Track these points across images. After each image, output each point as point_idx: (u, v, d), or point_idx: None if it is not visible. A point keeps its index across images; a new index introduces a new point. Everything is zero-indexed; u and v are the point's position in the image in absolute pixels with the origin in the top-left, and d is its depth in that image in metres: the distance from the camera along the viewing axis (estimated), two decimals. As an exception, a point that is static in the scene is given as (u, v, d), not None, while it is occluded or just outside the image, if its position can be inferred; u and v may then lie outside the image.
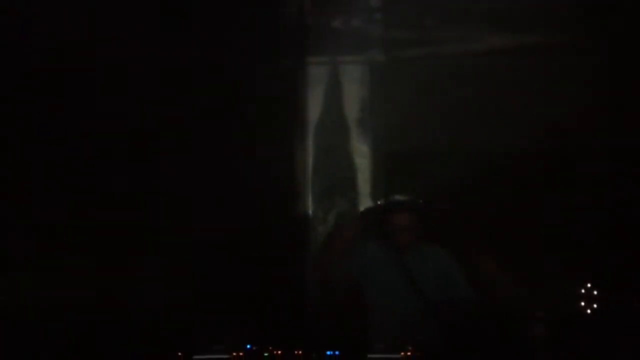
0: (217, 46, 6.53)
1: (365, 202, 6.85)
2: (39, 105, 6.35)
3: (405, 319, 5.09)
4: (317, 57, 6.80)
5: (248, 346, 4.53)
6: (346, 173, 6.85)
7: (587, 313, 6.41)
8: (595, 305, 6.40)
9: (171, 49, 6.48)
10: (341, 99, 6.85)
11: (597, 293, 6.41)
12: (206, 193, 6.52)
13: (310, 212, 6.82)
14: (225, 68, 6.55)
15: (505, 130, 6.48)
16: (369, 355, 4.41)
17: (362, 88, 6.84)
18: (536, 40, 6.58)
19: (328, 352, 4.45)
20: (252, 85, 6.60)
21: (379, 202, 5.65)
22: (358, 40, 6.75)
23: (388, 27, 6.72)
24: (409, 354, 4.43)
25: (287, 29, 6.68)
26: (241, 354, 4.46)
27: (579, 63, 6.45)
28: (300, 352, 4.60)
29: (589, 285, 6.46)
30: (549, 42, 6.56)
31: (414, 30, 6.69)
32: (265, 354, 4.49)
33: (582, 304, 6.44)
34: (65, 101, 6.39)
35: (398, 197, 5.66)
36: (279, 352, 4.51)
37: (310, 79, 6.81)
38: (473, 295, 5.29)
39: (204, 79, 6.56)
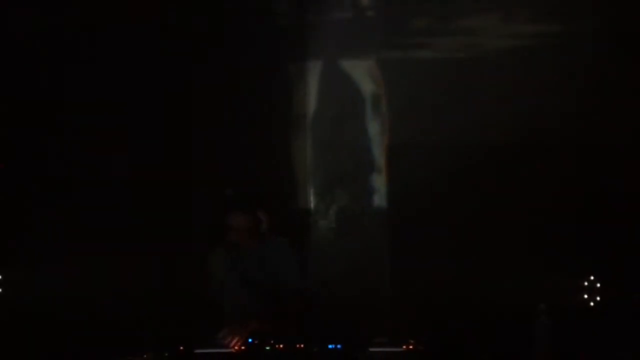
0: (217, 43, 6.53)
1: (366, 196, 6.84)
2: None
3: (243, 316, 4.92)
4: (317, 52, 6.79)
5: (250, 340, 4.51)
6: (347, 167, 6.83)
7: (589, 305, 6.40)
8: (598, 298, 6.39)
9: (172, 47, 6.49)
10: (341, 94, 6.84)
11: (600, 286, 6.41)
12: (206, 188, 6.52)
13: (311, 206, 6.81)
14: (225, 64, 6.55)
15: (504, 123, 6.47)
16: (370, 349, 4.39)
17: (362, 82, 6.83)
18: (538, 35, 6.58)
19: (330, 346, 4.43)
20: (252, 81, 6.59)
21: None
22: (358, 36, 6.74)
23: (388, 22, 6.71)
24: (410, 347, 4.41)
25: (287, 24, 6.67)
26: (243, 347, 4.44)
27: (590, 58, 6.45)
28: (302, 346, 4.58)
29: (591, 277, 6.45)
30: (551, 37, 6.56)
31: (413, 26, 6.68)
32: (267, 348, 4.47)
33: (585, 296, 6.43)
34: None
35: (232, 196, 5.18)
36: (281, 346, 4.48)
37: (310, 74, 6.80)
38: (304, 287, 5.10)
39: (205, 75, 6.56)
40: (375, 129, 6.84)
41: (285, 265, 5.07)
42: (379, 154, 6.82)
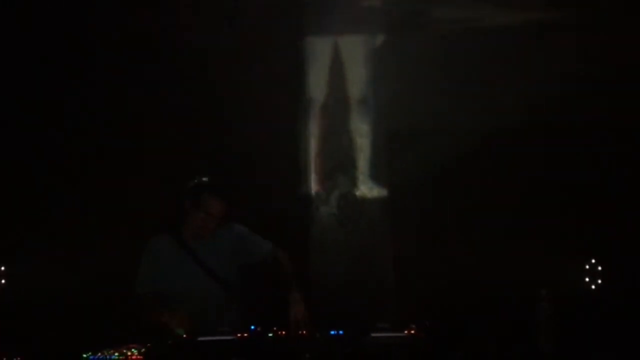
0: (217, 26, 6.53)
1: (367, 182, 6.85)
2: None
3: (206, 307, 4.97)
4: (317, 36, 6.78)
5: (252, 327, 4.53)
6: (348, 153, 6.83)
7: (591, 289, 6.42)
8: (599, 281, 6.41)
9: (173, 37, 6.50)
10: (342, 78, 6.83)
11: (601, 269, 6.43)
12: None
13: (313, 192, 6.82)
14: (226, 49, 6.55)
15: (505, 108, 6.47)
16: (372, 335, 4.41)
17: (363, 67, 6.82)
18: (538, 18, 6.57)
19: (332, 332, 4.44)
20: (251, 66, 6.59)
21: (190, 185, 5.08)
22: (359, 18, 6.73)
23: (389, 4, 6.70)
24: (412, 332, 4.43)
25: (286, 7, 6.66)
26: (246, 335, 4.46)
27: (579, 41, 6.44)
28: (304, 332, 4.61)
29: (593, 260, 6.47)
30: (550, 20, 6.55)
31: (415, 8, 6.67)
32: (270, 335, 4.49)
33: (587, 279, 6.45)
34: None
35: (211, 183, 5.08)
36: (283, 332, 4.51)
37: (311, 58, 6.79)
38: (271, 253, 5.15)
39: (205, 61, 6.56)
40: (376, 115, 6.84)
41: (252, 242, 5.15)
42: (380, 140, 6.82)
